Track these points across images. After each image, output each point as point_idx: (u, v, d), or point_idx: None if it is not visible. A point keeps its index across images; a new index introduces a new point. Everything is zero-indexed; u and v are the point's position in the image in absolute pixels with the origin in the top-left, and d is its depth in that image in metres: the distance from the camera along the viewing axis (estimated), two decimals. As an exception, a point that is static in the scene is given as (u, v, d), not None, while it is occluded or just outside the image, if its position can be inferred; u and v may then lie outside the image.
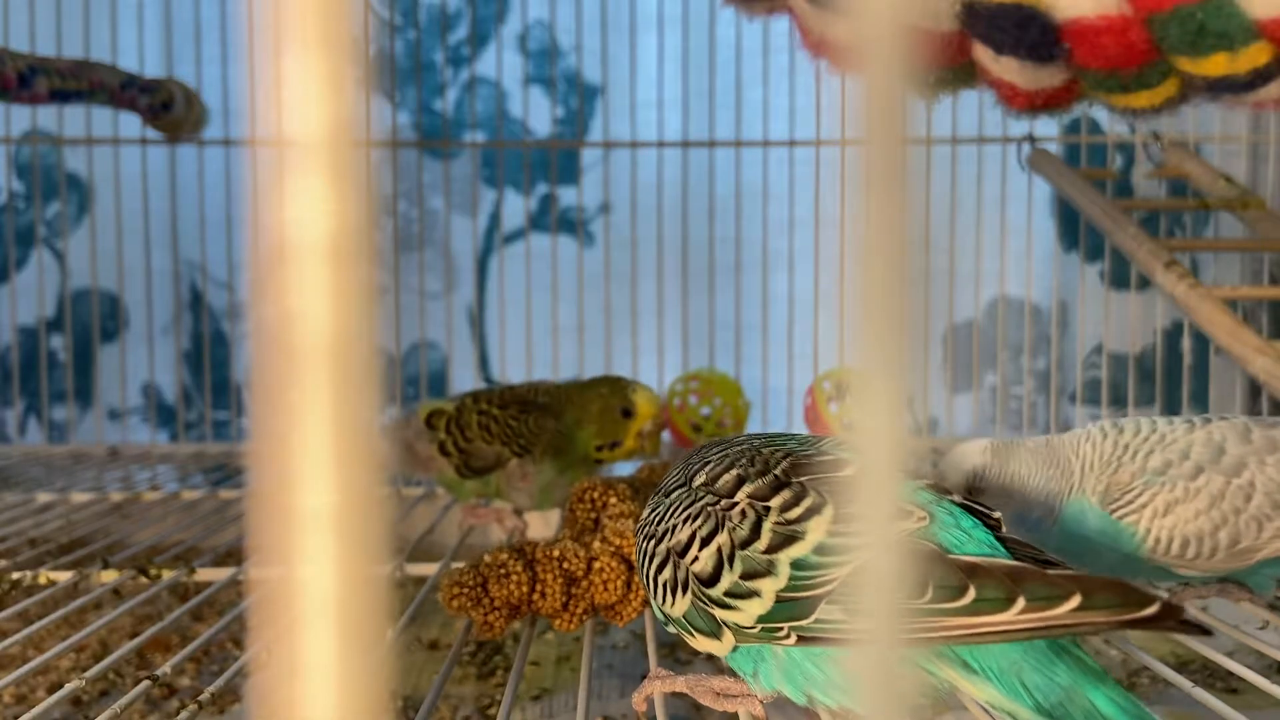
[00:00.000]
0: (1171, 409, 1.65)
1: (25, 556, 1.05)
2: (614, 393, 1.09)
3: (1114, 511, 0.72)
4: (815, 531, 0.53)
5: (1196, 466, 0.72)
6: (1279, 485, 0.71)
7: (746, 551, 0.54)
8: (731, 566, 0.54)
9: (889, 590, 0.20)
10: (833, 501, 0.53)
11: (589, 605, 0.75)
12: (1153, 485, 0.72)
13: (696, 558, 0.56)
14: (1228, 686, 0.92)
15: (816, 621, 0.52)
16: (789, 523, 0.53)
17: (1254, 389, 1.57)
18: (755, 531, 0.54)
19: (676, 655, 1.02)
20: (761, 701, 0.59)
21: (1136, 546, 0.72)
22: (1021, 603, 0.47)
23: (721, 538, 0.55)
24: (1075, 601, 0.47)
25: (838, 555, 0.52)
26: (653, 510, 0.61)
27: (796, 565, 0.52)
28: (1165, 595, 0.84)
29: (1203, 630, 0.49)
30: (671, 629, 0.60)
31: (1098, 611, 0.47)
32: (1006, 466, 0.74)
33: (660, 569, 0.58)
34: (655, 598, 0.59)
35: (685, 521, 0.57)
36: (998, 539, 0.53)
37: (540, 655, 1.05)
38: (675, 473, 0.62)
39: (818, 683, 0.54)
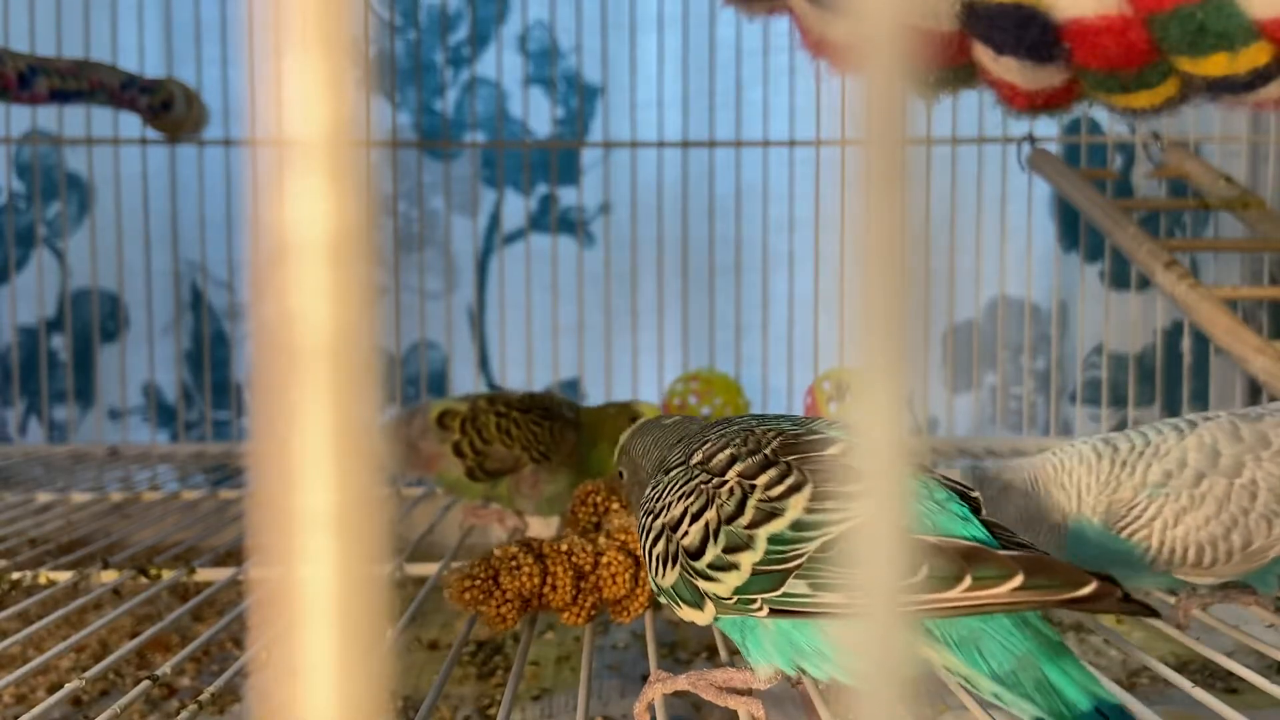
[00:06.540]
0: (1172, 409, 1.65)
1: (25, 556, 1.05)
2: (621, 411, 1.11)
3: (1122, 530, 0.71)
4: (794, 509, 0.55)
5: (1197, 473, 0.71)
6: None
7: (730, 526, 0.56)
8: (716, 540, 0.56)
9: (889, 572, 0.20)
10: (813, 480, 0.55)
11: (597, 599, 0.76)
12: (1157, 498, 0.71)
13: (686, 532, 0.58)
14: (1228, 686, 0.92)
15: (784, 594, 0.54)
16: (771, 500, 0.56)
17: (1254, 389, 1.57)
18: (740, 508, 0.56)
19: (676, 655, 1.02)
20: (761, 688, 0.60)
21: (1150, 562, 0.72)
22: (968, 580, 0.50)
23: (710, 513, 0.57)
24: (1017, 581, 0.49)
25: (810, 531, 0.54)
26: (654, 488, 0.63)
27: (773, 540, 0.54)
28: (1171, 601, 0.84)
29: (1148, 610, 0.52)
30: (662, 599, 0.62)
31: (1037, 590, 0.49)
32: (993, 506, 0.73)
33: (655, 542, 0.61)
34: (650, 570, 0.62)
35: (680, 499, 0.59)
36: (979, 520, 0.54)
37: (540, 655, 1.04)
38: (677, 451, 0.64)
39: (806, 655, 0.56)
